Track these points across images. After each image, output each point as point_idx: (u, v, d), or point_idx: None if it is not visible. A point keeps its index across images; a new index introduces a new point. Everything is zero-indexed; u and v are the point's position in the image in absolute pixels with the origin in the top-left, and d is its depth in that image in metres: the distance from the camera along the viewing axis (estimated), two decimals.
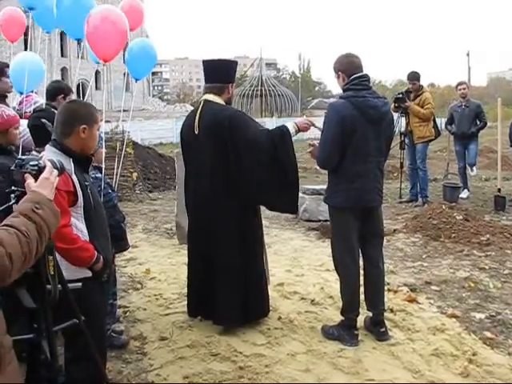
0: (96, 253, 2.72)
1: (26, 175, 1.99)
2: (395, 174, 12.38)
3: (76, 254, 2.64)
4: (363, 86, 3.80)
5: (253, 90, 47.14)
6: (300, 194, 8.46)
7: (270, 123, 40.10)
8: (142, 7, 5.50)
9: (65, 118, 2.80)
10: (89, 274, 2.71)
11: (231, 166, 3.83)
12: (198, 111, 4.06)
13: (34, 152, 3.56)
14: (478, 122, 9.69)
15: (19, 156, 2.63)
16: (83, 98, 55.75)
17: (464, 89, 9.71)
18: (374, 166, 3.83)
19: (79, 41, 4.42)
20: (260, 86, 47.64)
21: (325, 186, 4.02)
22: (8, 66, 4.69)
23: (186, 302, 4.39)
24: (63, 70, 53.47)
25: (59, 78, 50.41)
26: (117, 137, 10.43)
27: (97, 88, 56.35)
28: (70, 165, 2.70)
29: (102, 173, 3.90)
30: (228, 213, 3.92)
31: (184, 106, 63.49)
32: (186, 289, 4.32)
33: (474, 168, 9.86)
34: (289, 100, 47.76)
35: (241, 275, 3.98)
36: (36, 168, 2.00)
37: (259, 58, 51.67)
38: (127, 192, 10.68)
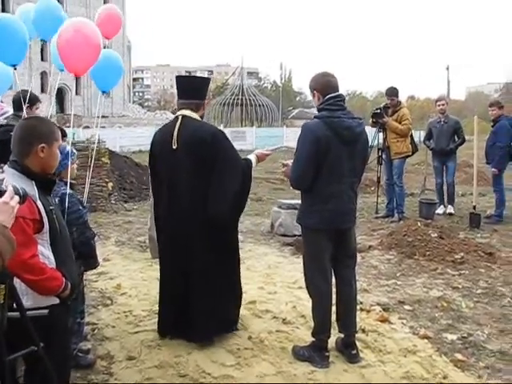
0: (64, 280, 2.64)
1: None
2: (372, 188, 12.47)
3: (44, 284, 2.56)
4: (338, 107, 3.80)
5: (233, 99, 47.25)
6: (275, 208, 8.50)
7: (249, 132, 40.30)
8: (119, 16, 5.45)
9: (22, 136, 2.68)
10: (56, 301, 2.64)
11: (211, 182, 3.88)
12: (177, 126, 4.07)
13: None
14: (457, 139, 9.80)
15: None
16: (63, 103, 55.39)
17: (443, 105, 9.82)
18: (348, 187, 3.83)
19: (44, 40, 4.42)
20: (241, 94, 47.73)
21: (300, 201, 4.02)
22: None
23: (156, 320, 4.34)
24: (43, 74, 52.95)
25: (39, 82, 49.89)
26: (93, 146, 10.31)
27: (77, 93, 55.94)
28: (33, 189, 2.60)
29: (72, 188, 3.84)
30: (208, 228, 3.93)
31: (165, 113, 63.25)
32: (158, 305, 4.27)
33: (451, 207, 9.84)
34: (269, 110, 47.93)
35: (219, 287, 4.04)
36: None
37: (240, 67, 51.88)
38: (102, 202, 10.59)
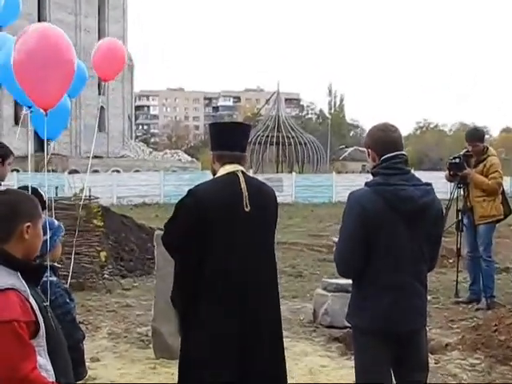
0: None
1: None
2: (451, 261, 12.38)
3: None
4: (396, 170, 3.90)
5: (267, 136, 47.82)
6: (320, 290, 8.54)
7: (288, 180, 40.48)
8: (122, 54, 5.74)
9: (0, 216, 2.75)
10: None
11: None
12: (242, 185, 4.31)
13: None
14: None
15: None
16: (42, 140, 56.65)
17: None
18: (413, 277, 3.87)
19: None
20: (276, 129, 48.35)
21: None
22: None
23: None
24: (16, 101, 54.78)
25: (12, 109, 51.42)
26: (81, 204, 10.58)
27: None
28: (22, 283, 2.67)
29: (55, 273, 3.98)
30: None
31: (176, 154, 64.17)
32: None
33: None
34: (314, 149, 48.35)
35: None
36: None
37: (276, 93, 52.71)
38: (92, 278, 10.76)
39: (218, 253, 4.17)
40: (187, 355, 4.10)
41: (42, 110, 4.32)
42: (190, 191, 4.21)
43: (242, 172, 4.32)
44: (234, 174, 4.28)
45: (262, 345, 4.11)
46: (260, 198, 4.30)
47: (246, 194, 4.21)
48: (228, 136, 4.41)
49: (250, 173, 38.85)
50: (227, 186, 4.27)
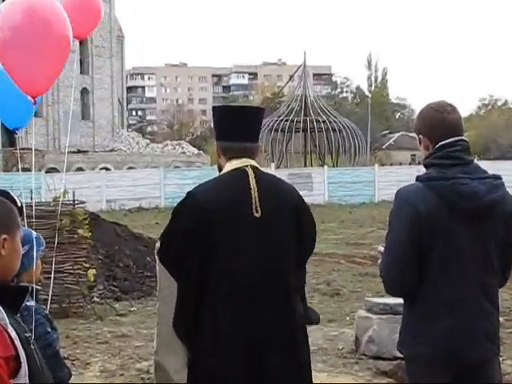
0: None
1: None
2: None
3: None
4: (455, 160, 3.87)
5: (291, 120, 47.79)
6: (362, 312, 8.52)
7: (318, 176, 40.27)
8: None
9: None
10: None
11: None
12: (252, 183, 4.29)
13: None
14: None
15: None
16: (11, 132, 56.74)
17: None
18: (480, 294, 3.85)
19: None
20: (303, 112, 48.28)
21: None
22: None
23: None
24: None
25: None
26: (64, 210, 10.63)
27: (36, 115, 57.72)
28: None
29: (34, 298, 4.00)
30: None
31: (179, 146, 64.15)
32: None
33: None
34: (351, 136, 48.23)
35: None
36: None
37: (302, 66, 52.61)
38: (78, 302, 10.79)
39: (222, 265, 4.21)
40: (194, 362, 4.29)
41: (29, 98, 4.35)
42: (188, 194, 4.27)
43: (253, 167, 4.33)
44: (242, 170, 4.30)
45: (272, 349, 4.18)
46: (275, 200, 4.29)
47: (255, 195, 4.22)
48: (236, 123, 4.40)
49: (272, 168, 38.90)
50: (233, 186, 4.30)
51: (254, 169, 4.32)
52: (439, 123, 3.97)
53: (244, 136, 4.39)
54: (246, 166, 4.31)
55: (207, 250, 4.19)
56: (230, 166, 4.32)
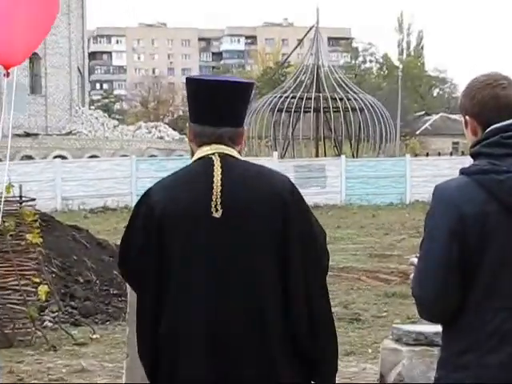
0: None
1: None
2: None
3: None
4: (510, 149, 3.88)
5: (300, 98, 47.76)
6: (389, 342, 8.54)
7: (334, 169, 40.08)
8: None
9: None
10: None
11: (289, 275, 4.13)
12: (216, 174, 4.27)
13: None
14: None
15: None
16: None
17: None
18: None
19: None
20: (316, 88, 48.28)
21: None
22: None
23: None
24: None
25: None
26: (7, 209, 10.58)
27: None
28: None
29: None
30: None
31: (156, 129, 63.91)
32: None
33: None
34: (376, 119, 48.13)
35: None
36: None
37: (315, 27, 52.57)
38: (25, 327, 10.77)
39: (176, 280, 4.24)
40: None
41: (1, 68, 4.37)
42: (144, 193, 4.33)
43: (222, 155, 4.27)
44: (207, 159, 4.27)
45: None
46: (245, 195, 4.20)
47: (217, 190, 4.20)
48: (211, 102, 4.36)
49: (274, 157, 38.54)
50: (194, 181, 4.31)
51: (223, 157, 4.28)
52: (492, 101, 3.95)
53: (221, 119, 4.35)
54: (214, 153, 4.29)
55: (162, 263, 4.24)
56: (197, 154, 4.33)
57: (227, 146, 4.29)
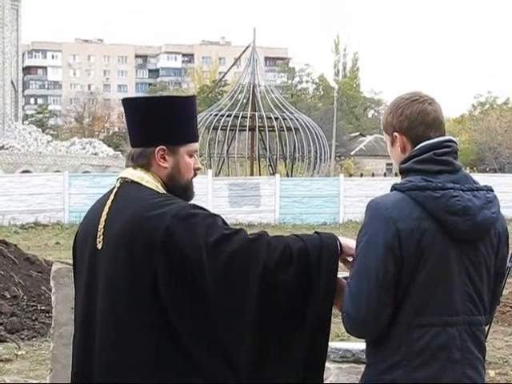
0: None
1: None
2: None
3: None
4: (442, 166, 3.87)
5: (235, 117, 47.84)
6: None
7: (268, 188, 40.10)
8: None
9: None
10: None
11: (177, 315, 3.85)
12: (108, 204, 4.21)
13: None
14: None
15: None
16: None
17: None
18: (464, 334, 3.90)
19: None
20: (251, 106, 48.41)
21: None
22: None
23: None
24: None
25: None
26: None
27: None
28: None
29: None
30: None
31: (91, 145, 63.71)
32: None
33: None
34: (311, 138, 48.38)
35: None
36: None
37: (251, 47, 52.68)
38: None
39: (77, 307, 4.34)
40: None
41: None
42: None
43: (122, 182, 4.20)
44: (114, 186, 4.23)
45: None
46: (118, 226, 4.03)
47: (103, 219, 4.11)
48: (136, 121, 4.32)
49: (209, 176, 38.71)
50: (95, 210, 4.28)
51: (122, 184, 4.20)
52: (420, 115, 3.98)
53: (131, 139, 4.32)
54: (119, 179, 4.24)
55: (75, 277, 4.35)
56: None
57: (135, 169, 4.22)
